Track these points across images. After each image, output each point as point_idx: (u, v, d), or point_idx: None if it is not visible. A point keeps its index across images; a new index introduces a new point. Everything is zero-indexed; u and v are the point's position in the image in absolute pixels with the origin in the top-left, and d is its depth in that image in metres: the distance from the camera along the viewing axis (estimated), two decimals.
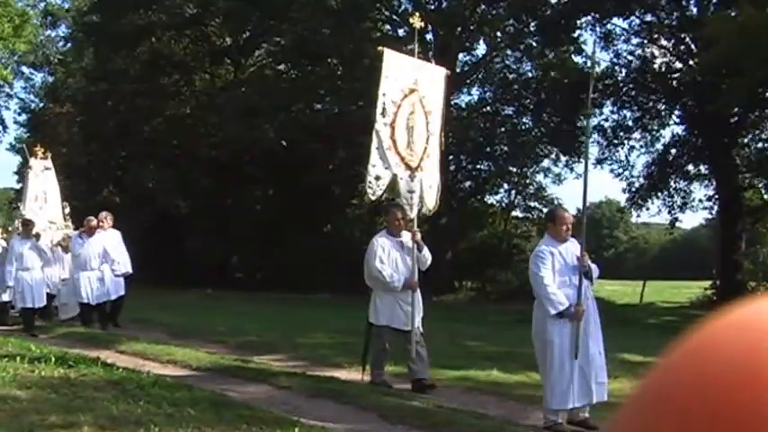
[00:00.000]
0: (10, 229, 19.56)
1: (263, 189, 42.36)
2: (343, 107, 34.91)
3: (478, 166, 38.13)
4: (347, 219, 42.26)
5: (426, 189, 10.88)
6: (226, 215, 38.19)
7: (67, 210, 19.30)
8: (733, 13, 26.20)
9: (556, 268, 8.41)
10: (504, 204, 39.97)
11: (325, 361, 12.91)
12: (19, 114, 51.62)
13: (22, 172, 52.22)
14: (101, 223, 17.65)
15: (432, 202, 11.10)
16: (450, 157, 36.18)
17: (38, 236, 17.03)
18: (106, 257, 17.22)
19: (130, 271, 17.96)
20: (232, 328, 17.27)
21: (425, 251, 10.81)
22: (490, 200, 40.33)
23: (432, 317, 19.98)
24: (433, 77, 11.29)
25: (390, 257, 10.55)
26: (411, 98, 10.67)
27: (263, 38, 40.22)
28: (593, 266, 8.74)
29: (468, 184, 38.92)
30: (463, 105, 36.91)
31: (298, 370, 11.69)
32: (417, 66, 11.22)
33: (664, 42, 35.09)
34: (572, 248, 8.63)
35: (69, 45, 48.15)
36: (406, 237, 10.72)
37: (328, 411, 8.86)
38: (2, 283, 17.34)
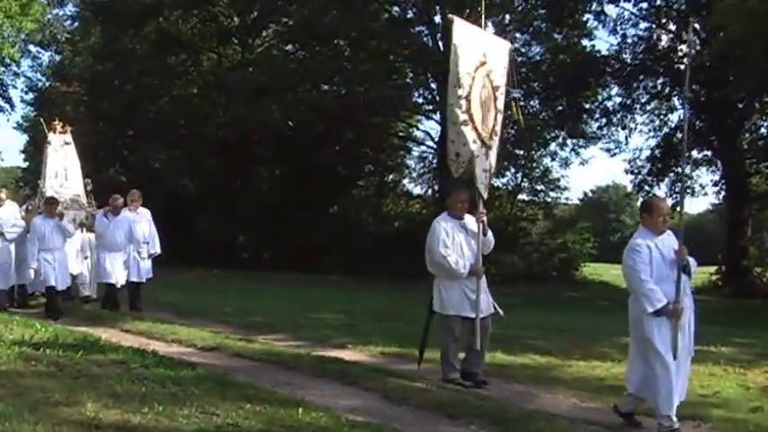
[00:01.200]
0: (30, 208, 18.55)
1: (270, 169, 42.37)
2: (351, 88, 34.81)
3: None
4: (353, 200, 42.26)
5: (490, 169, 10.23)
6: (233, 195, 38.22)
7: (90, 187, 18.55)
8: None
9: (653, 263, 7.85)
10: (510, 187, 39.89)
11: (330, 341, 12.88)
12: (26, 93, 51.56)
13: (29, 150, 52.49)
14: (133, 203, 17.10)
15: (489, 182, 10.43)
16: None
17: (61, 215, 16.18)
18: (132, 238, 16.69)
19: (159, 251, 17.35)
20: (237, 307, 17.25)
21: (490, 235, 10.10)
22: (497, 183, 40.25)
23: None
24: (500, 51, 10.45)
25: (455, 242, 9.79)
26: (481, 71, 9.88)
27: (271, 18, 40.14)
28: (691, 260, 8.05)
29: None
30: None
31: (302, 350, 11.69)
32: (485, 38, 10.35)
33: (672, 27, 35.02)
34: (669, 241, 8.00)
35: (76, 24, 48.01)
36: (469, 219, 10.01)
37: (332, 392, 8.87)
38: (23, 264, 16.53)
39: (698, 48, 33.05)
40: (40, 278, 15.89)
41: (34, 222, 16.09)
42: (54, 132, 18.38)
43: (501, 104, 10.23)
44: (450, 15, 10.27)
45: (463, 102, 9.62)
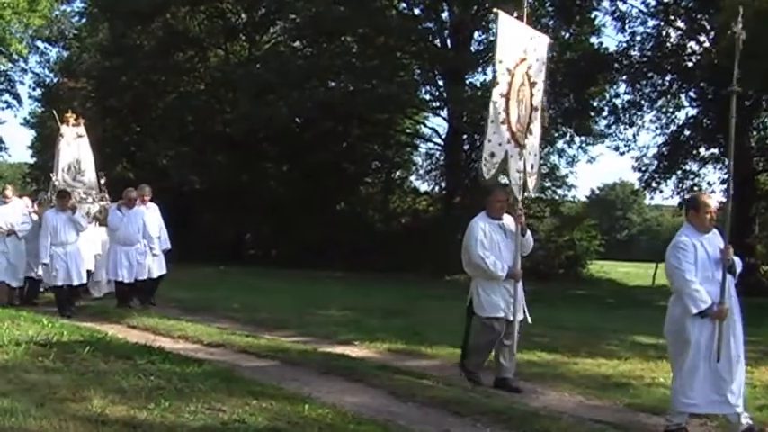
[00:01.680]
0: (42, 201, 17.97)
1: (277, 166, 42.38)
2: (358, 85, 34.76)
3: None
4: (360, 197, 42.33)
5: (528, 170, 9.85)
6: (240, 192, 38.23)
7: (103, 180, 18.27)
8: None
9: (698, 262, 7.57)
10: None
11: (337, 338, 12.90)
12: (33, 89, 51.65)
13: (36, 146, 52.61)
14: (144, 198, 16.75)
15: (532, 184, 10.11)
16: (465, 137, 36.20)
17: (74, 208, 15.69)
18: (146, 233, 16.37)
19: (169, 247, 17.17)
20: (244, 304, 17.25)
21: (529, 235, 9.93)
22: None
23: (444, 296, 19.99)
24: (539, 46, 10.11)
25: (493, 242, 9.56)
26: (521, 68, 9.61)
27: (279, 14, 40.10)
28: (737, 260, 7.76)
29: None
30: (478, 85, 36.80)
31: (309, 347, 11.71)
32: (527, 32, 9.94)
33: (680, 24, 35.00)
34: (715, 240, 7.73)
35: (84, 20, 48.01)
36: (507, 219, 9.77)
37: (339, 388, 8.88)
38: (35, 260, 16.16)
39: (706, 45, 33.16)
40: (53, 273, 15.39)
41: (46, 216, 15.67)
42: (67, 125, 18.08)
43: (537, 101, 9.95)
44: (495, 10, 9.91)
45: (503, 100, 9.39)
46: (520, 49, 9.63)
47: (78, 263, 15.68)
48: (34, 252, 16.13)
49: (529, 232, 9.95)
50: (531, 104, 9.81)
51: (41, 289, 17.04)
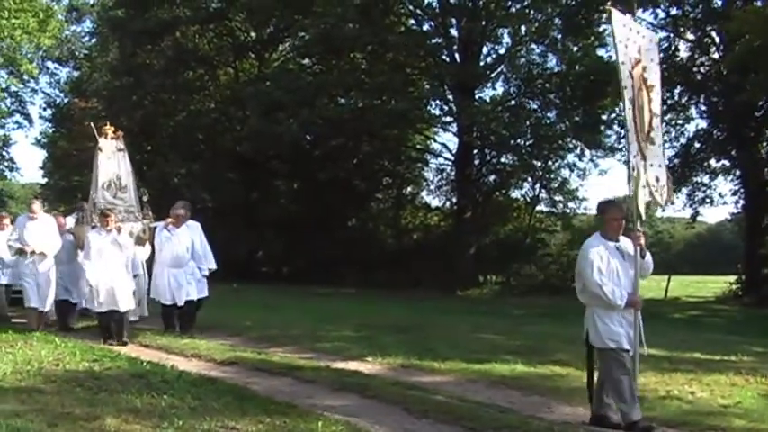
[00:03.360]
0: (80, 219, 16.85)
1: (287, 183, 42.50)
2: (367, 101, 34.76)
3: (503, 160, 38.00)
4: (371, 213, 42.37)
5: (653, 182, 8.86)
6: (251, 209, 38.29)
7: (146, 197, 17.07)
8: (759, 2, 26.09)
9: None
10: (528, 199, 39.85)
11: (350, 354, 12.83)
12: (44, 109, 51.96)
13: (47, 166, 52.76)
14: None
15: (663, 198, 9.10)
16: (475, 151, 36.13)
17: (119, 229, 14.75)
18: (194, 253, 15.59)
19: (215, 267, 16.11)
20: (257, 321, 17.23)
21: (648, 257, 8.77)
22: (514, 194, 40.18)
23: (456, 310, 19.94)
24: (650, 45, 9.17)
25: (610, 267, 8.48)
26: (637, 70, 8.71)
27: (287, 32, 40.26)
28: None
29: (492, 178, 38.86)
30: (488, 99, 36.77)
31: (322, 363, 11.66)
32: (637, 30, 8.98)
33: (689, 36, 34.95)
34: None
35: (94, 40, 48.40)
36: (624, 241, 8.69)
37: (352, 405, 8.84)
38: (71, 282, 15.71)
39: (715, 57, 33.09)
40: (98, 299, 14.35)
41: (89, 237, 14.75)
42: (105, 138, 16.73)
43: (657, 107, 9.03)
44: (608, 6, 8.87)
45: (630, 106, 8.64)
46: (635, 50, 8.79)
47: (123, 287, 14.59)
48: (69, 274, 15.64)
49: (649, 254, 8.82)
50: (651, 110, 8.94)
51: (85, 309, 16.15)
